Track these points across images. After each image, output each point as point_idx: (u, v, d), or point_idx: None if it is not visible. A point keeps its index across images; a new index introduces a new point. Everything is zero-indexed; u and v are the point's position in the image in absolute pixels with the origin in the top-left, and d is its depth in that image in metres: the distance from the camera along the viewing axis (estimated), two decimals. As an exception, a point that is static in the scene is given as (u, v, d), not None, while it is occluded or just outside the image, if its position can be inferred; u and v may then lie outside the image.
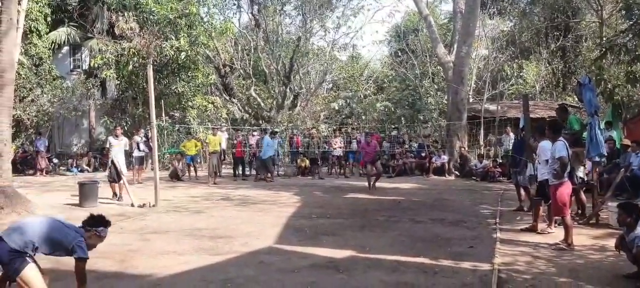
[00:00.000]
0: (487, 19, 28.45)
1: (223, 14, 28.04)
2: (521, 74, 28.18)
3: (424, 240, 7.81)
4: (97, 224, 4.67)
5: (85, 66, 25.18)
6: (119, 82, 22.28)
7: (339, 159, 19.68)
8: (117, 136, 13.16)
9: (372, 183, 14.15)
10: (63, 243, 4.44)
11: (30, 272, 4.18)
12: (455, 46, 22.48)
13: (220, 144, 17.66)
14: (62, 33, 23.82)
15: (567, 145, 7.54)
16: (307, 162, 19.43)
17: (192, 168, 18.36)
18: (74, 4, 24.38)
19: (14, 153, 17.19)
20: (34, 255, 4.35)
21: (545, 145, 7.91)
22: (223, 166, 19.37)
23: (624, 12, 16.33)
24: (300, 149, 20.85)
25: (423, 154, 20.19)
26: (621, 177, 9.93)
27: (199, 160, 20.26)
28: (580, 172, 9.44)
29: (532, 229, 8.31)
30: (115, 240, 7.47)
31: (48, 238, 4.39)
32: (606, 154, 9.94)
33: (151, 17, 21.38)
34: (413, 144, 21.87)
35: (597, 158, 9.10)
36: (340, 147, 19.65)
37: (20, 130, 20.77)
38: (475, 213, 10.47)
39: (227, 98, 27.08)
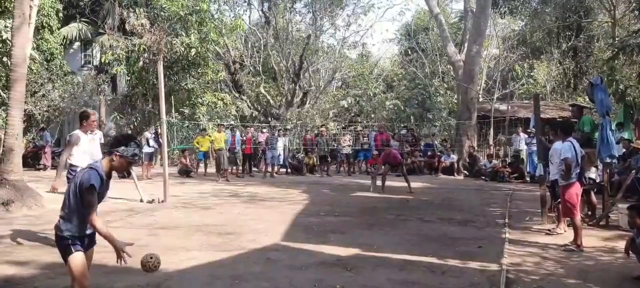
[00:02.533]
0: (498, 18, 28.31)
1: (233, 11, 28.19)
2: (532, 74, 28.04)
3: (432, 239, 7.79)
4: (117, 144, 4.09)
5: (96, 62, 25.36)
6: (129, 78, 22.41)
7: (348, 157, 19.64)
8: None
9: (383, 183, 14.05)
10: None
11: (71, 260, 3.91)
12: (466, 45, 22.42)
13: (225, 141, 17.71)
14: (73, 29, 24.00)
15: (576, 145, 7.50)
16: (314, 159, 19.40)
17: (202, 165, 18.40)
18: (85, 0, 24.56)
19: (25, 148, 17.30)
20: (82, 232, 3.97)
21: (556, 146, 7.87)
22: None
23: (637, 12, 16.18)
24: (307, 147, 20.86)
25: (429, 153, 20.13)
26: (632, 178, 9.85)
27: (209, 157, 20.33)
28: (593, 173, 9.39)
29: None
30: (124, 235, 7.49)
31: (72, 205, 3.94)
32: (620, 155, 9.84)
33: (162, 13, 21.50)
34: (421, 143, 21.82)
35: (608, 160, 9.03)
36: (349, 146, 19.61)
37: (31, 124, 20.93)
38: (483, 213, 10.43)
39: (237, 95, 27.14)
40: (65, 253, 3.93)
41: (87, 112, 7.52)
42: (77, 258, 3.93)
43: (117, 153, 4.05)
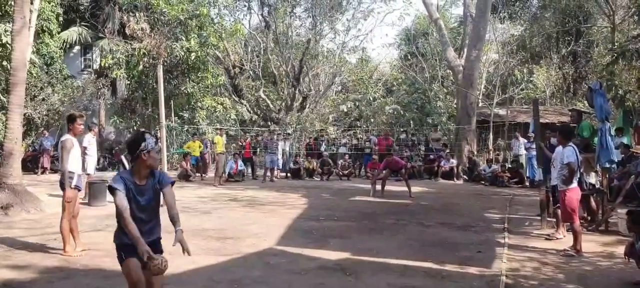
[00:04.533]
0: (498, 23, 28.33)
1: (233, 15, 28.21)
2: (531, 79, 28.06)
3: (432, 244, 7.79)
4: (137, 146, 3.99)
5: (96, 66, 25.36)
6: (129, 82, 22.43)
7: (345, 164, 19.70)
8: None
9: (383, 187, 14.04)
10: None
11: (123, 269, 3.99)
12: (465, 50, 22.45)
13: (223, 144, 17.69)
14: (73, 33, 24.04)
15: (577, 150, 7.51)
16: (314, 163, 19.41)
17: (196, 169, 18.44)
18: (85, 4, 24.64)
19: (24, 152, 17.28)
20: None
21: (558, 151, 7.88)
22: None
23: (636, 17, 16.21)
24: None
25: (432, 157, 20.13)
26: (631, 183, 9.84)
27: (207, 161, 20.32)
28: (592, 178, 9.38)
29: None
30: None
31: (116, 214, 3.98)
32: (619, 160, 9.83)
33: (162, 17, 21.52)
34: (421, 147, 21.82)
35: (607, 165, 9.03)
36: (349, 152, 19.65)
37: (30, 128, 20.91)
38: (483, 218, 10.43)
39: (236, 99, 27.15)
40: (120, 261, 3.99)
41: (75, 113, 7.36)
42: (128, 265, 3.92)
43: (144, 152, 3.98)
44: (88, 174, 13.20)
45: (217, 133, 18.92)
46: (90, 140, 13.34)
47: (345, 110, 28.63)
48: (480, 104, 24.61)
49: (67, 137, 6.96)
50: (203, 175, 18.43)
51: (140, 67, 20.90)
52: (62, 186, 6.84)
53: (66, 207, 6.79)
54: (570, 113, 11.71)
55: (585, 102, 14.50)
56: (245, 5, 29.14)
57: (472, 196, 14.28)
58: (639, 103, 14.56)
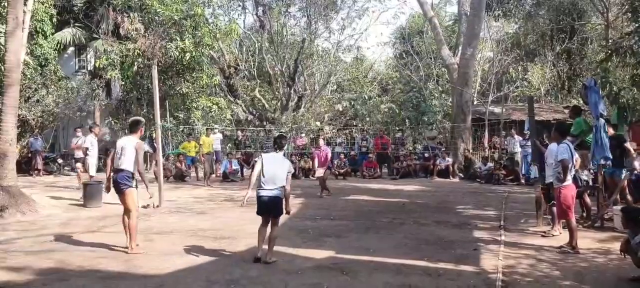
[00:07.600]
0: (492, 21, 28.39)
1: (228, 15, 28.12)
2: (526, 77, 28.13)
3: (429, 242, 7.80)
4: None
5: (90, 67, 25.24)
6: (123, 82, 22.32)
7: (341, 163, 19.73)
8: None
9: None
10: None
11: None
12: (460, 48, 22.49)
13: (212, 145, 17.64)
14: (67, 34, 23.90)
15: (571, 147, 7.54)
16: (311, 163, 19.39)
17: (193, 169, 18.37)
18: (79, 5, 24.47)
19: (18, 154, 17.20)
20: None
21: (551, 148, 7.91)
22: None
23: (629, 14, 16.23)
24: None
25: (427, 155, 20.15)
26: (626, 180, 9.88)
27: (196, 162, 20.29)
28: (585, 175, 9.42)
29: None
30: (119, 241, 7.50)
31: None
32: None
33: (156, 18, 21.42)
34: (417, 146, 21.84)
35: (602, 161, 9.07)
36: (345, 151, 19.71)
37: (25, 130, 20.82)
38: (479, 215, 10.44)
39: (232, 99, 27.08)
40: None
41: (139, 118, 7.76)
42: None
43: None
44: (91, 176, 13.21)
45: (204, 133, 18.88)
46: (93, 141, 13.38)
47: (341, 109, 28.62)
48: (475, 102, 24.68)
49: (137, 140, 7.21)
50: (198, 175, 18.39)
51: (135, 67, 20.81)
52: (121, 187, 7.05)
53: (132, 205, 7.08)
54: (567, 110, 11.75)
55: (580, 99, 14.54)
56: (239, 5, 29.07)
57: (468, 194, 14.29)
58: (633, 100, 14.61)
